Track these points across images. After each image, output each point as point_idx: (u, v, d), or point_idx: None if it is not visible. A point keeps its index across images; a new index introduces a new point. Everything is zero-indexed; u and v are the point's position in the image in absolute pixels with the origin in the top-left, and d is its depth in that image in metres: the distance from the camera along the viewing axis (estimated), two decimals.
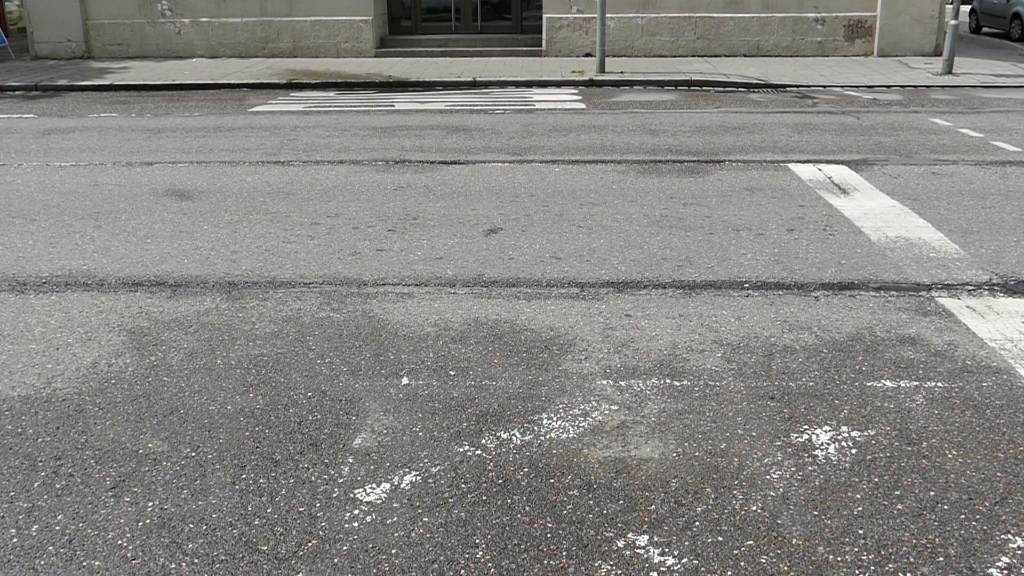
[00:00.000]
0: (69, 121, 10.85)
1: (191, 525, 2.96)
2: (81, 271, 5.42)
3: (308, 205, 6.84)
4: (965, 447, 3.39)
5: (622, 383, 3.91)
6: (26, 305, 4.89)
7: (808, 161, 8.20)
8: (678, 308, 4.76)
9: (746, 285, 5.10)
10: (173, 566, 2.77)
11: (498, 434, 3.50)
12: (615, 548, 2.83)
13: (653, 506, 3.04)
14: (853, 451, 3.37)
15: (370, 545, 2.86)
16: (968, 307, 4.74)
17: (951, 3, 13.72)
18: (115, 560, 2.80)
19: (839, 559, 2.77)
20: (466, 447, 3.41)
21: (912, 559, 2.77)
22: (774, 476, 3.21)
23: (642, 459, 3.33)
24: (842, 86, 12.90)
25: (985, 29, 21.76)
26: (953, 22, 13.47)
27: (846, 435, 3.48)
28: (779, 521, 2.96)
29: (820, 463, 3.29)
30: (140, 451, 3.41)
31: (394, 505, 3.06)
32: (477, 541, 2.88)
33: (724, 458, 3.33)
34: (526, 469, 3.27)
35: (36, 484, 3.20)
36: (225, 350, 4.28)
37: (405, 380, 3.96)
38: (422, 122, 10.41)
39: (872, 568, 2.74)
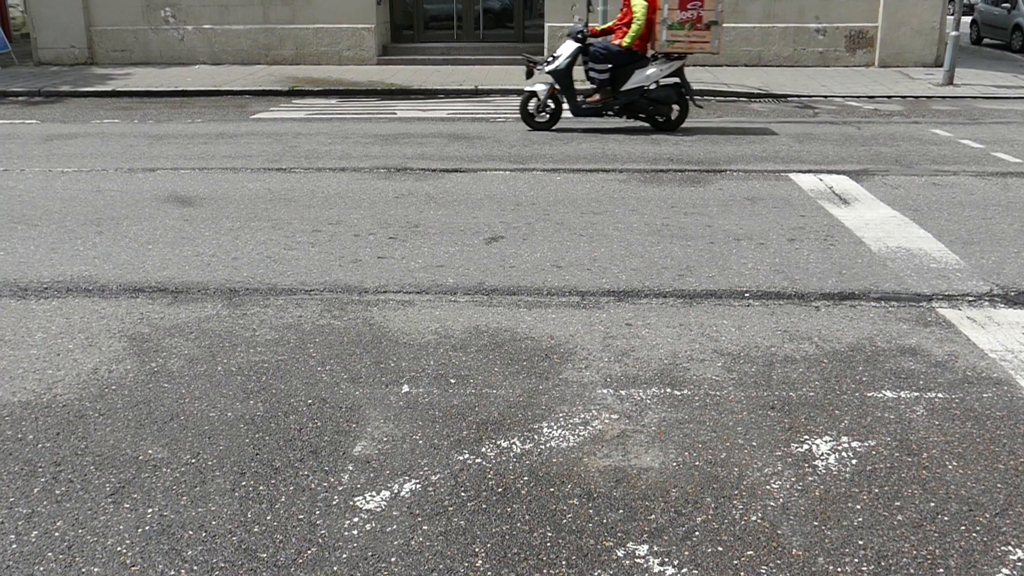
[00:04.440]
0: (72, 127, 10.88)
1: (190, 532, 2.96)
2: (82, 277, 5.43)
3: (309, 212, 6.85)
4: (965, 458, 3.39)
5: (622, 392, 3.91)
6: (27, 310, 4.90)
7: (809, 171, 8.21)
8: (679, 317, 4.76)
9: (747, 295, 5.10)
10: (172, 573, 2.77)
11: (498, 442, 3.50)
12: (615, 557, 2.83)
13: (653, 515, 3.04)
14: (853, 461, 3.37)
15: (369, 553, 2.86)
16: (969, 318, 4.74)
17: (952, 14, 13.77)
18: (114, 567, 2.79)
19: (839, 570, 2.77)
20: (466, 455, 3.41)
21: (912, 570, 2.76)
22: (774, 486, 3.21)
23: (642, 468, 3.32)
24: (843, 96, 12.93)
25: (986, 40, 21.81)
26: (954, 33, 13.50)
27: (846, 445, 3.48)
28: (779, 531, 2.96)
29: (820, 473, 3.29)
30: (140, 457, 3.41)
31: (394, 513, 3.06)
32: (477, 550, 2.87)
33: (724, 468, 3.33)
34: (526, 478, 3.26)
35: (36, 490, 3.20)
36: (226, 357, 4.28)
37: (405, 388, 3.96)
38: (424, 130, 10.43)
39: None
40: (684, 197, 7.28)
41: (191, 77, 14.73)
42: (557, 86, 10.00)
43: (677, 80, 9.96)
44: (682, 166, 8.44)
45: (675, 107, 10.07)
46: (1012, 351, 4.32)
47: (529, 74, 10.23)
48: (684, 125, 10.19)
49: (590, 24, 10.30)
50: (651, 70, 9.79)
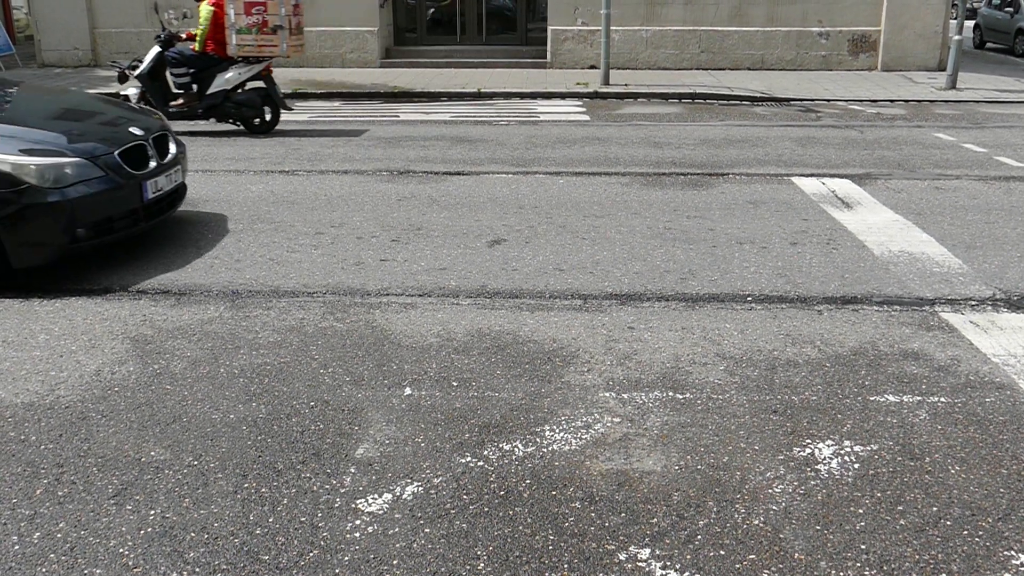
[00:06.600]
0: None
1: (193, 534, 2.96)
2: (85, 278, 5.43)
3: (312, 214, 6.86)
4: (968, 463, 3.39)
5: (625, 395, 3.91)
6: (30, 311, 4.90)
7: (812, 175, 8.21)
8: (681, 321, 4.76)
9: (749, 298, 5.10)
10: (174, 575, 2.77)
11: (500, 445, 3.50)
12: (617, 561, 2.83)
13: (655, 519, 3.04)
14: (856, 466, 3.36)
15: (371, 556, 2.86)
16: (971, 322, 4.74)
17: (955, 18, 13.78)
18: (116, 568, 2.80)
19: (841, 574, 2.76)
20: (468, 458, 3.41)
21: (915, 575, 2.76)
22: (776, 490, 3.21)
23: (644, 472, 3.32)
24: (846, 100, 12.93)
25: (989, 44, 21.83)
26: (957, 37, 13.51)
27: (849, 449, 3.47)
28: (781, 535, 2.95)
29: (823, 477, 3.29)
30: (142, 459, 3.41)
31: (396, 516, 3.06)
32: (479, 553, 2.87)
33: (726, 472, 3.33)
34: (528, 481, 3.26)
35: (38, 491, 3.21)
36: (228, 359, 4.29)
37: (408, 390, 3.96)
38: (426, 132, 10.45)
39: None
40: (686, 201, 7.28)
41: None
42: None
43: (263, 84, 10.16)
44: (684, 169, 8.45)
45: (267, 110, 10.27)
46: (1015, 355, 4.31)
47: (122, 78, 10.30)
48: (686, 128, 10.20)
49: (186, 29, 10.49)
50: (230, 74, 9.99)
